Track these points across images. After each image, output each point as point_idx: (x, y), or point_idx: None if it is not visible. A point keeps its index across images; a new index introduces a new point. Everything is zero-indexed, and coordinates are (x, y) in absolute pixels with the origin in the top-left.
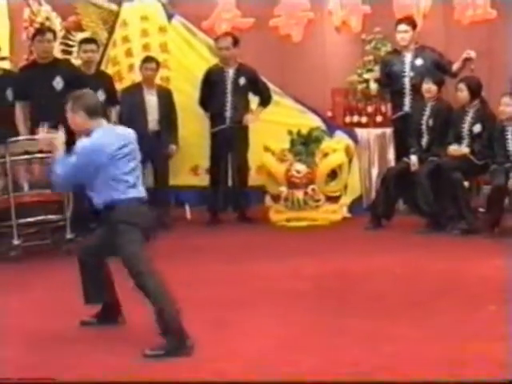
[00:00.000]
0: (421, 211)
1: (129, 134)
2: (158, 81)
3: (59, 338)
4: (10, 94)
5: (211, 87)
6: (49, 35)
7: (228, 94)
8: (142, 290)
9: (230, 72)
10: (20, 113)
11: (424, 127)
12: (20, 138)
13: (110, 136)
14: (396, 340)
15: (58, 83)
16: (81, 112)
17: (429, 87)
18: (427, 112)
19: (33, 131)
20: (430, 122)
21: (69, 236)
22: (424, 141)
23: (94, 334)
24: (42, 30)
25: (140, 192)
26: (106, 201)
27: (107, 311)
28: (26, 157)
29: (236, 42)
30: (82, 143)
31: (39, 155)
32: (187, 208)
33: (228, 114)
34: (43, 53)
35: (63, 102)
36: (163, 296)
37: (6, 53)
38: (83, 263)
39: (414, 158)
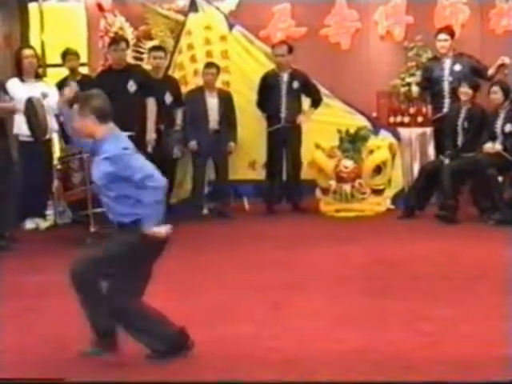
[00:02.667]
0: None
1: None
2: (219, 84)
3: None
4: None
5: (268, 90)
6: (122, 44)
7: (283, 97)
8: None
9: (285, 76)
10: None
11: (459, 128)
12: None
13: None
14: (434, 320)
15: (132, 86)
16: (91, 116)
17: (465, 91)
18: (463, 114)
19: None
20: (466, 124)
21: None
22: (459, 141)
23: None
24: (116, 40)
25: None
26: None
27: None
28: None
29: (290, 50)
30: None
31: None
32: (245, 200)
33: (283, 114)
34: (118, 60)
35: (136, 103)
36: None
37: (84, 59)
38: None
39: (447, 162)
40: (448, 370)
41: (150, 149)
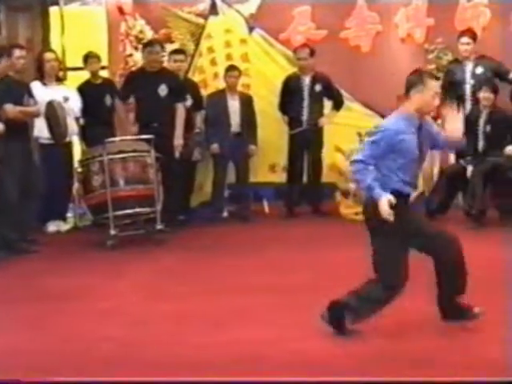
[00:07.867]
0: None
1: None
2: (239, 87)
3: (153, 317)
4: (108, 99)
5: (290, 93)
6: (157, 47)
7: (305, 100)
8: None
9: (307, 80)
10: (122, 110)
11: (480, 132)
12: (116, 138)
13: None
14: None
15: (163, 90)
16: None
17: (487, 95)
18: (483, 118)
19: (140, 132)
20: (487, 128)
21: (159, 227)
22: (480, 145)
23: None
24: (151, 42)
25: None
26: None
27: None
28: (121, 155)
29: (312, 53)
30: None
31: (133, 154)
32: (265, 203)
33: (305, 117)
34: (151, 62)
35: (165, 107)
36: None
37: (104, 62)
38: None
39: (469, 168)
40: None
41: (177, 154)
